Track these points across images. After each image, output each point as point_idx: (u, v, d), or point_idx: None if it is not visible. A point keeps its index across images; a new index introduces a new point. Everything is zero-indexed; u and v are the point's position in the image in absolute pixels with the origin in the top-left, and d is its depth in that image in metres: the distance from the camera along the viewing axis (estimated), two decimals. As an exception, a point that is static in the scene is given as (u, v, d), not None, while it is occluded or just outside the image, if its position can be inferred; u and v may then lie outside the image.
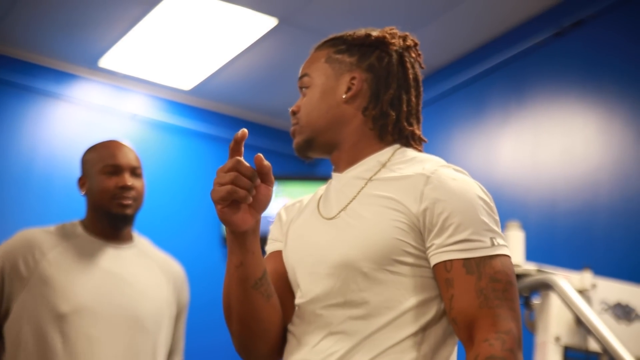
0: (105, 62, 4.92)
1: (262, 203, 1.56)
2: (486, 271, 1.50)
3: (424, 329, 1.53)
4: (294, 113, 1.75)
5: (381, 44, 1.72)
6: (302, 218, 1.74)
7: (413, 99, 1.72)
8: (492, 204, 1.59)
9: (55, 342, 2.43)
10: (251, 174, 1.50)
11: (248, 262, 1.59)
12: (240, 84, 5.14)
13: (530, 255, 3.02)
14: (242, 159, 1.51)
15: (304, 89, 1.75)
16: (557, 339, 2.79)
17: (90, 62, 4.95)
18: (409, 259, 1.54)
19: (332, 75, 1.72)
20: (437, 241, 1.52)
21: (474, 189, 1.57)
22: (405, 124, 1.70)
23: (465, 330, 1.50)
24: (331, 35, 1.78)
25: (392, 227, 1.54)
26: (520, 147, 4.16)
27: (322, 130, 1.71)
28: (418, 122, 1.74)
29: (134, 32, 4.57)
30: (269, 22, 4.42)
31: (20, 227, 2.67)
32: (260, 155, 1.53)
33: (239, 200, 1.49)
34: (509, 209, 3.89)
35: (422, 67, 1.77)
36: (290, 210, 1.81)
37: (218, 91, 5.24)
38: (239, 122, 5.48)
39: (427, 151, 1.71)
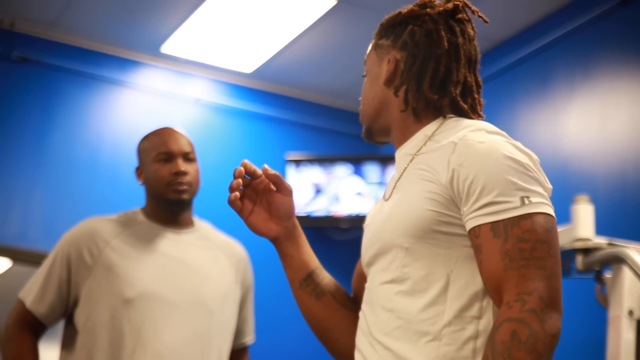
0: (167, 48, 4.96)
1: (281, 211, 1.73)
2: (514, 232, 1.43)
3: (478, 300, 1.48)
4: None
5: (412, 18, 1.69)
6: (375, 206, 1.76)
7: (454, 66, 1.66)
8: (528, 162, 1.50)
9: (123, 327, 2.47)
10: (237, 173, 1.69)
11: (287, 265, 1.75)
12: (301, 65, 5.13)
13: (601, 229, 2.96)
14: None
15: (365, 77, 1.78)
16: (631, 313, 2.73)
17: (152, 49, 4.99)
18: (448, 229, 1.50)
19: (377, 61, 1.73)
20: (466, 208, 1.48)
21: (501, 149, 1.50)
22: (451, 93, 1.66)
23: (495, 295, 1.45)
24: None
25: (425, 199, 1.52)
26: (588, 119, 4.08)
27: (373, 118, 1.72)
28: (464, 88, 1.68)
29: (195, 16, 4.59)
30: (328, 2, 4.39)
31: (89, 214, 2.72)
32: (265, 165, 1.72)
33: (233, 206, 1.71)
34: (577, 183, 3.82)
35: (473, 30, 1.71)
36: None
37: (279, 73, 5.25)
38: (300, 104, 5.48)
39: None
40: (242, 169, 1.70)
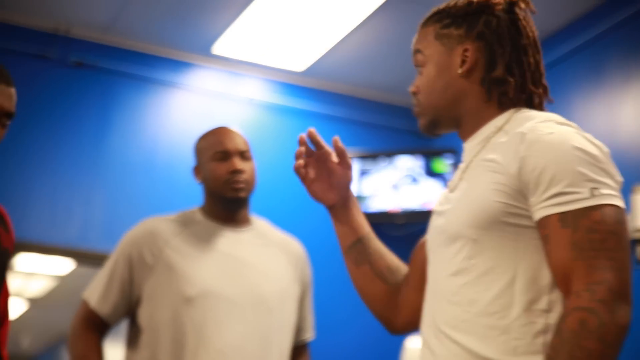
0: (218, 48, 4.99)
1: (341, 182, 1.86)
2: (583, 223, 1.42)
3: (546, 293, 1.47)
4: (414, 94, 1.75)
5: (485, 7, 1.68)
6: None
7: (531, 58, 1.67)
8: (598, 154, 1.49)
9: (185, 326, 2.50)
10: (301, 140, 1.82)
11: (339, 231, 1.88)
12: (353, 61, 5.13)
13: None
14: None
15: (419, 68, 1.74)
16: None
17: (204, 50, 5.03)
18: (515, 221, 1.49)
19: (444, 51, 1.69)
20: (534, 198, 1.47)
21: (571, 140, 1.49)
22: (526, 86, 1.66)
23: (563, 286, 1.43)
24: (433, 10, 1.75)
25: (492, 190, 1.51)
26: (644, 108, 4.02)
27: (443, 109, 1.70)
28: (540, 80, 1.68)
29: (244, 16, 4.61)
30: (378, -2, 4.39)
31: (148, 215, 2.75)
32: (337, 137, 1.83)
33: (297, 173, 1.84)
34: (634, 173, 3.77)
35: (533, 12, 1.71)
36: None
37: (331, 70, 5.25)
38: (354, 101, 5.47)
39: (548, 117, 1.66)
40: (304, 135, 1.81)
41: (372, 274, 1.83)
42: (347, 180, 1.86)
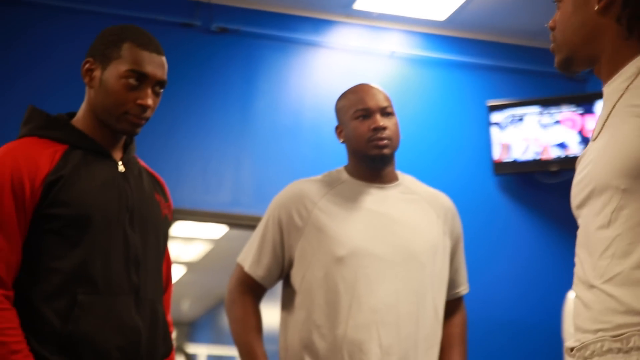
0: (359, 4, 4.96)
1: None
2: None
3: None
4: (552, 29, 1.70)
5: None
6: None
7: None
8: None
9: (338, 285, 2.51)
10: None
11: None
12: (495, 7, 4.99)
13: None
14: None
15: (557, 3, 1.69)
16: None
17: (345, 7, 5.01)
18: None
19: None
20: None
21: None
22: None
23: None
24: None
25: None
26: None
27: (578, 47, 1.63)
28: None
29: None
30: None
31: (296, 177, 2.76)
32: None
33: None
34: None
35: None
36: None
37: (474, 18, 5.12)
38: (497, 47, 5.33)
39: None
40: None
41: None
42: None
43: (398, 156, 2.69)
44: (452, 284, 2.71)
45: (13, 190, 1.92)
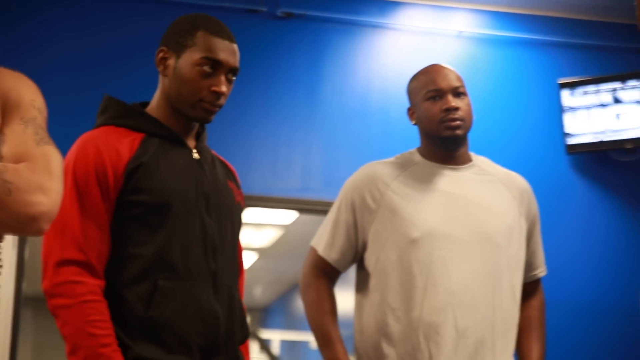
0: (424, -16, 4.91)
1: None
2: None
3: None
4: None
5: None
6: None
7: None
8: None
9: (412, 267, 2.49)
10: None
11: None
12: (564, -18, 4.90)
13: None
14: None
15: None
16: None
17: (410, -13, 4.97)
18: None
19: None
20: None
21: None
22: None
23: None
24: None
25: None
26: None
27: None
28: None
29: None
30: None
31: (365, 160, 2.75)
32: None
33: None
34: None
35: None
36: None
37: (542, -6, 5.03)
38: (568, 23, 5.22)
39: None
40: None
41: None
42: None
43: (471, 137, 2.66)
44: (529, 266, 2.67)
45: (98, 179, 1.95)
